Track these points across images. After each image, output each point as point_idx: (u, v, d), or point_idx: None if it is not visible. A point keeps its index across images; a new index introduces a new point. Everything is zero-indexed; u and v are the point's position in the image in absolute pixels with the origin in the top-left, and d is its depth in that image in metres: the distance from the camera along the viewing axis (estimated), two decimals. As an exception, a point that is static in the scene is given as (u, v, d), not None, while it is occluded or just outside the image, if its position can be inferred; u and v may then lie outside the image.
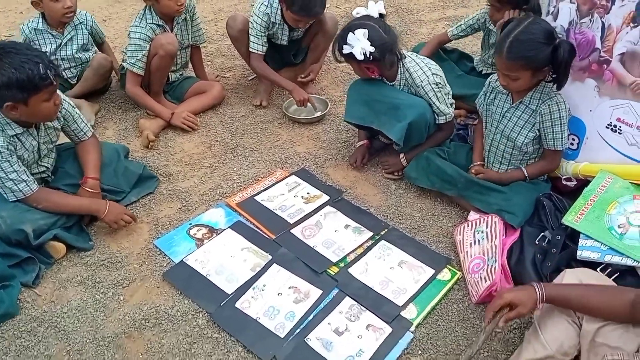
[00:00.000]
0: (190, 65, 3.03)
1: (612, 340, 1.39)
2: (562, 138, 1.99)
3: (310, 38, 2.97)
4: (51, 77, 1.86)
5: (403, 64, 2.25)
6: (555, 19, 2.02)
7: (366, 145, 2.50)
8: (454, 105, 2.37)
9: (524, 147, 2.06)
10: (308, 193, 2.35)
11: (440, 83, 2.24)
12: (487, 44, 2.78)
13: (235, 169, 2.53)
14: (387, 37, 2.16)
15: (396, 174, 2.41)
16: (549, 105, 1.96)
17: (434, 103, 2.22)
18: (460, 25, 2.81)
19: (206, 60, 3.33)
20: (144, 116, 2.83)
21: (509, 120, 2.08)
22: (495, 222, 1.97)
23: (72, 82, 2.85)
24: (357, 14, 2.21)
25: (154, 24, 2.63)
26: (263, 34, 2.77)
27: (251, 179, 2.46)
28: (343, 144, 2.67)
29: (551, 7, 2.03)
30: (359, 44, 2.10)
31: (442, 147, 2.33)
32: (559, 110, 1.95)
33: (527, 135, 2.03)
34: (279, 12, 2.75)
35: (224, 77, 3.25)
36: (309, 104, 2.81)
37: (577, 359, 1.50)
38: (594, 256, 1.73)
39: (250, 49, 2.80)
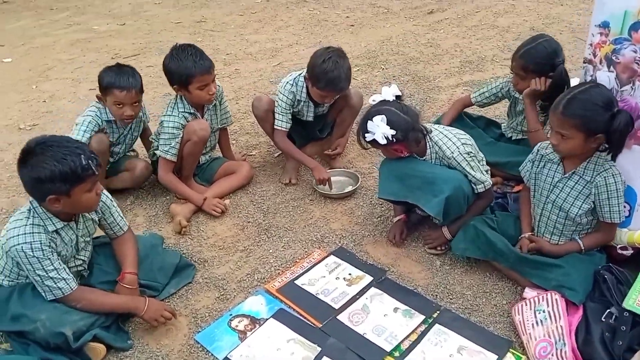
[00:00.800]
0: (217, 146, 3.04)
1: None
2: (619, 211, 1.93)
3: (335, 113, 2.98)
4: (93, 167, 1.85)
5: (430, 138, 2.24)
6: (594, 87, 1.99)
7: (403, 219, 2.43)
8: (489, 172, 2.33)
9: (577, 218, 1.99)
10: (350, 274, 2.26)
11: (471, 152, 2.21)
12: (514, 111, 2.77)
13: (271, 251, 2.46)
14: (407, 117, 2.17)
15: (439, 248, 2.33)
16: (604, 177, 1.90)
17: (469, 173, 2.19)
18: (483, 92, 2.82)
19: (231, 138, 3.33)
20: (174, 201, 2.80)
21: (561, 191, 2.02)
22: (556, 299, 1.86)
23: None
24: (373, 101, 2.24)
25: (186, 112, 2.66)
26: (288, 112, 2.79)
27: (289, 261, 2.39)
28: (379, 218, 2.61)
29: (588, 76, 2.02)
30: (379, 129, 2.12)
31: (489, 216, 2.26)
32: (615, 182, 1.90)
33: (581, 206, 1.96)
34: (304, 89, 2.77)
35: (250, 155, 3.25)
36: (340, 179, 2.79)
37: None
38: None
39: (275, 126, 2.82)
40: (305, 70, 2.73)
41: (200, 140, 2.64)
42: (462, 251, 2.22)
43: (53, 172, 1.79)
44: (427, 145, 2.25)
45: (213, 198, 2.71)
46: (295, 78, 2.77)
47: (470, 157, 2.19)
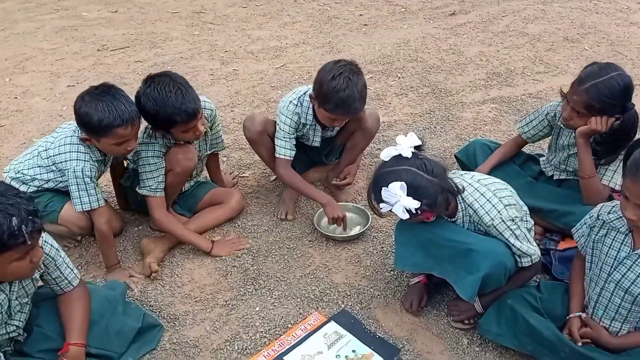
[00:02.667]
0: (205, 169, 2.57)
1: None
2: None
3: (346, 136, 2.50)
4: (25, 235, 1.39)
5: (463, 199, 1.76)
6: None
7: (423, 282, 1.96)
8: (533, 230, 1.85)
9: None
10: (354, 351, 1.80)
11: (516, 216, 1.72)
12: (556, 145, 2.28)
13: (257, 309, 2.01)
14: (432, 177, 1.65)
15: (467, 322, 1.87)
16: None
17: (513, 244, 1.72)
18: (530, 122, 2.30)
19: (222, 155, 2.87)
20: (147, 233, 2.34)
21: (628, 270, 1.56)
22: None
23: None
24: (387, 156, 1.70)
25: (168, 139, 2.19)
26: (292, 136, 2.31)
27: (278, 325, 1.93)
28: (392, 272, 2.15)
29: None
30: (399, 201, 1.61)
31: (531, 291, 1.79)
32: None
33: None
34: (310, 110, 2.30)
35: (242, 176, 2.78)
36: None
37: None
38: None
39: (277, 154, 2.32)
40: (311, 87, 2.24)
41: (184, 171, 2.20)
42: (493, 336, 1.75)
43: None
44: (459, 207, 1.78)
45: (227, 244, 2.28)
46: (300, 97, 2.29)
47: (515, 223, 1.71)
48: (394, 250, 2.20)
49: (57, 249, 1.69)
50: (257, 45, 4.38)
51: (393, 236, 2.27)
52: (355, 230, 2.33)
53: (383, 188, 1.62)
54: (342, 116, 2.22)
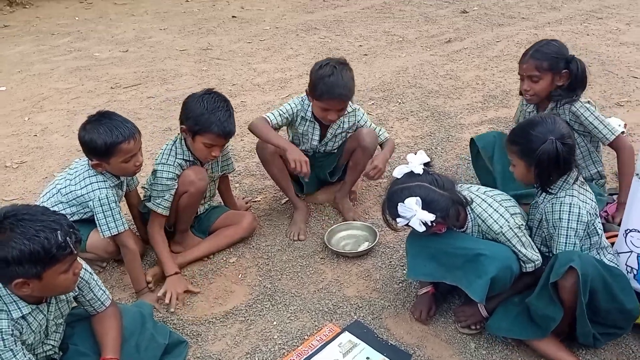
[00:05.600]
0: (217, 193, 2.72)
1: None
2: None
3: (347, 155, 2.66)
4: (71, 245, 1.54)
5: (472, 210, 1.90)
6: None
7: (431, 292, 2.08)
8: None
9: None
10: (368, 358, 1.91)
11: (522, 224, 1.88)
12: None
13: (275, 323, 2.12)
14: (444, 192, 1.81)
15: (474, 327, 1.98)
16: None
17: (519, 251, 1.85)
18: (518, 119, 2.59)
19: (234, 181, 3.03)
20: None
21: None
22: None
23: None
24: (399, 174, 1.87)
25: (184, 159, 2.34)
26: (284, 115, 2.55)
27: (295, 337, 2.04)
28: (400, 284, 2.26)
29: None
30: (415, 215, 1.75)
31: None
32: None
33: None
34: (310, 108, 2.55)
35: (255, 201, 2.93)
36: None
37: None
38: None
39: (264, 115, 2.55)
40: None
41: (198, 191, 2.33)
42: (505, 332, 1.87)
43: (22, 252, 1.48)
44: (468, 217, 1.92)
45: (181, 281, 2.30)
46: (303, 97, 2.58)
47: (521, 230, 1.86)
48: (402, 264, 2.35)
49: (90, 273, 1.82)
50: (263, 77, 4.58)
51: (400, 251, 2.42)
52: (364, 246, 2.45)
53: (399, 204, 1.76)
54: (329, 103, 2.40)
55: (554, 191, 1.86)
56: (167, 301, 2.21)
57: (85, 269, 1.80)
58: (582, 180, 1.91)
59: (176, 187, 2.31)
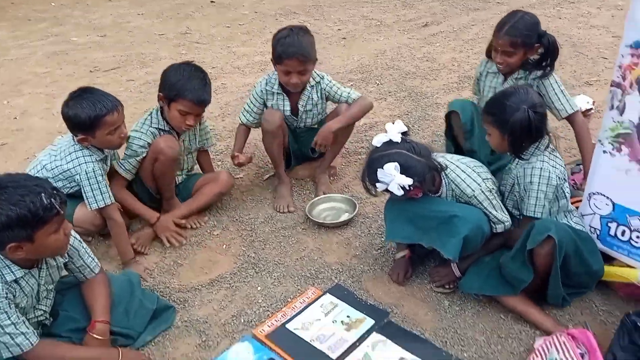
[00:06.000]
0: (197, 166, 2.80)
1: None
2: None
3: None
4: (57, 206, 1.60)
5: (446, 175, 2.01)
6: (621, 113, 1.79)
7: (407, 257, 2.19)
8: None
9: None
10: (348, 316, 2.01)
11: (493, 188, 1.99)
12: (483, 90, 2.71)
13: (259, 288, 2.20)
14: (420, 159, 1.91)
15: (447, 286, 2.09)
16: None
17: (490, 212, 1.97)
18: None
19: (216, 160, 3.10)
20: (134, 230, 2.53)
21: None
22: (563, 342, 1.64)
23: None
24: (378, 142, 1.96)
25: (157, 128, 2.41)
26: (253, 107, 2.69)
27: (279, 300, 2.13)
28: (379, 250, 2.36)
29: (616, 101, 1.80)
30: (394, 179, 1.85)
31: (503, 252, 2.01)
32: None
33: None
34: (277, 82, 2.64)
35: (237, 177, 2.99)
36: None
37: None
38: None
39: (240, 117, 2.74)
40: None
41: (167, 159, 2.39)
42: (477, 290, 1.98)
43: (10, 217, 1.54)
44: (443, 182, 2.02)
45: (173, 220, 2.43)
46: (270, 73, 2.69)
47: (492, 194, 1.97)
48: (380, 232, 2.45)
49: (79, 240, 1.88)
50: (243, 60, 4.63)
51: (378, 221, 2.52)
52: (344, 217, 2.55)
53: (378, 169, 1.86)
54: (288, 63, 2.48)
55: (525, 157, 1.97)
56: (167, 244, 2.38)
57: (75, 237, 1.86)
58: (553, 147, 2.02)
59: (145, 154, 2.38)
